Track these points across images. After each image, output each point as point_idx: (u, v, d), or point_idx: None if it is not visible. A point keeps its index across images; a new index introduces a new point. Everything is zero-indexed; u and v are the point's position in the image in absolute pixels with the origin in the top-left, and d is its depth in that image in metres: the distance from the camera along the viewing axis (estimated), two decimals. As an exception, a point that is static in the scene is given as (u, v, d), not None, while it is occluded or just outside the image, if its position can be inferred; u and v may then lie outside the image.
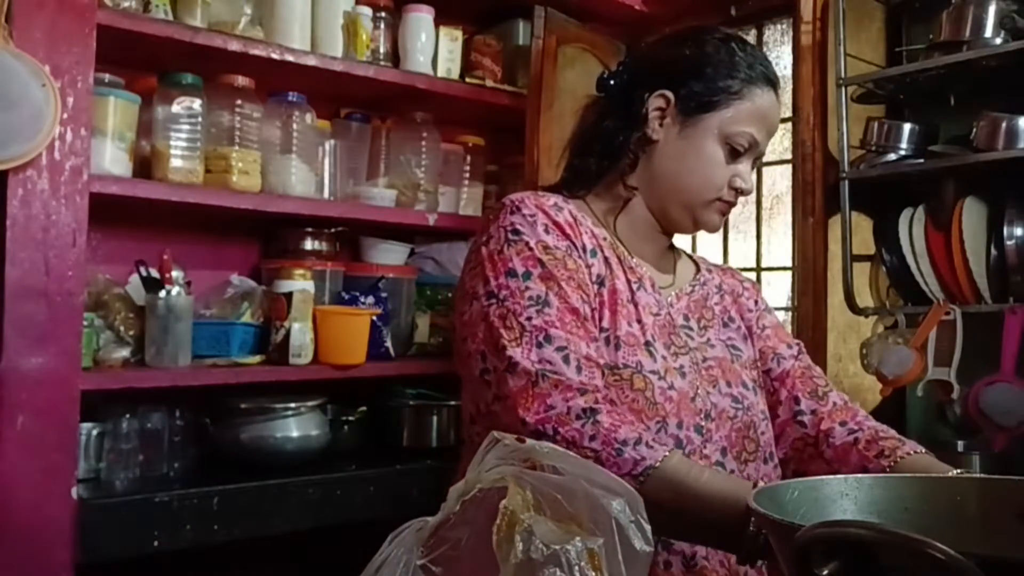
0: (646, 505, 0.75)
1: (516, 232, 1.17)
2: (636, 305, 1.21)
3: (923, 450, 1.21)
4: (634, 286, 1.23)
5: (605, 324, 1.17)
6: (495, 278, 1.14)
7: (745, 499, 0.88)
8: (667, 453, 1.02)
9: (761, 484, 0.93)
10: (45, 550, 1.76)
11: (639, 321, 1.19)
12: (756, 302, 1.42)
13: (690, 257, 1.43)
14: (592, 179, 1.32)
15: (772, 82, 1.29)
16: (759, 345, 1.36)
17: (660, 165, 1.28)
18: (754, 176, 1.31)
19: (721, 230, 2.82)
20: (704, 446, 1.15)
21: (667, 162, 1.27)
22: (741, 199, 1.31)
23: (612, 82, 1.33)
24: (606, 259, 1.23)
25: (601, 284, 1.20)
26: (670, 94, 1.26)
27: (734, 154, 1.26)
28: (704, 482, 1.01)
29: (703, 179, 1.26)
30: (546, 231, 1.18)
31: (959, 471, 1.09)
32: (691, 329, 1.27)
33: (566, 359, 1.08)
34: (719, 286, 1.38)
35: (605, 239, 1.25)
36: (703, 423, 1.17)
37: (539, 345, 1.08)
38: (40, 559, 1.76)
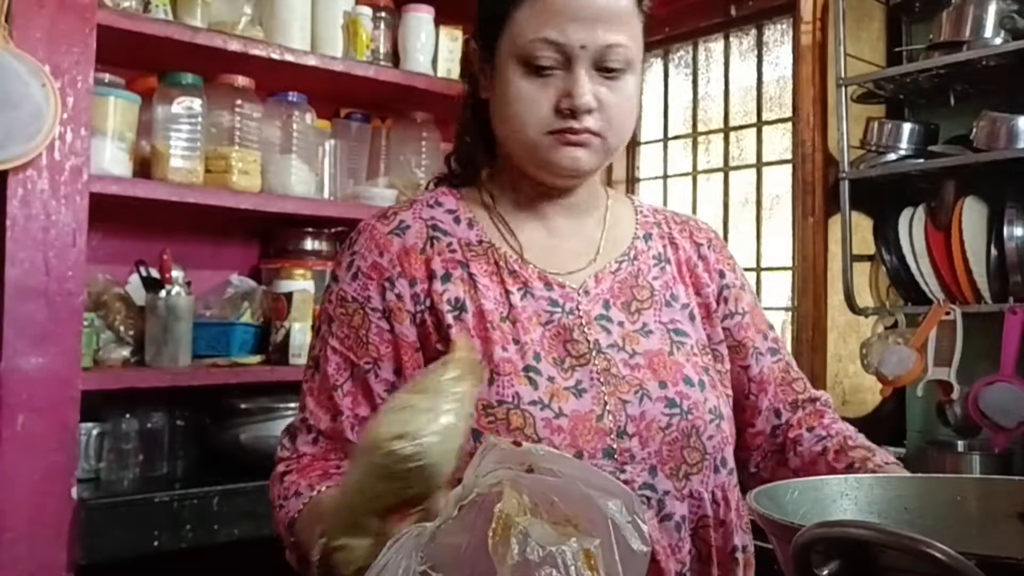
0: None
1: (334, 277, 1.10)
2: (514, 322, 1.03)
3: (894, 460, 1.09)
4: (515, 296, 1.05)
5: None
6: None
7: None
8: (306, 502, 0.96)
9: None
10: (45, 550, 1.76)
11: (516, 341, 1.02)
12: (724, 273, 1.18)
13: (637, 210, 1.20)
14: (470, 169, 1.15)
15: None
16: (739, 336, 1.16)
17: (495, 125, 1.08)
18: (621, 90, 1.02)
19: (721, 229, 2.83)
20: (621, 470, 0.98)
21: (496, 119, 1.07)
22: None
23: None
24: (471, 276, 1.05)
25: (462, 310, 1.03)
26: (474, 42, 1.09)
27: (539, 71, 1.01)
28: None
29: (517, 120, 1.03)
30: (355, 276, 1.06)
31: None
32: (610, 321, 1.07)
33: (308, 429, 1.06)
34: (661, 253, 1.16)
35: (480, 243, 1.08)
36: (615, 444, 1.00)
37: (300, 411, 1.08)
38: (40, 559, 1.76)
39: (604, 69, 1.01)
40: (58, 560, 1.77)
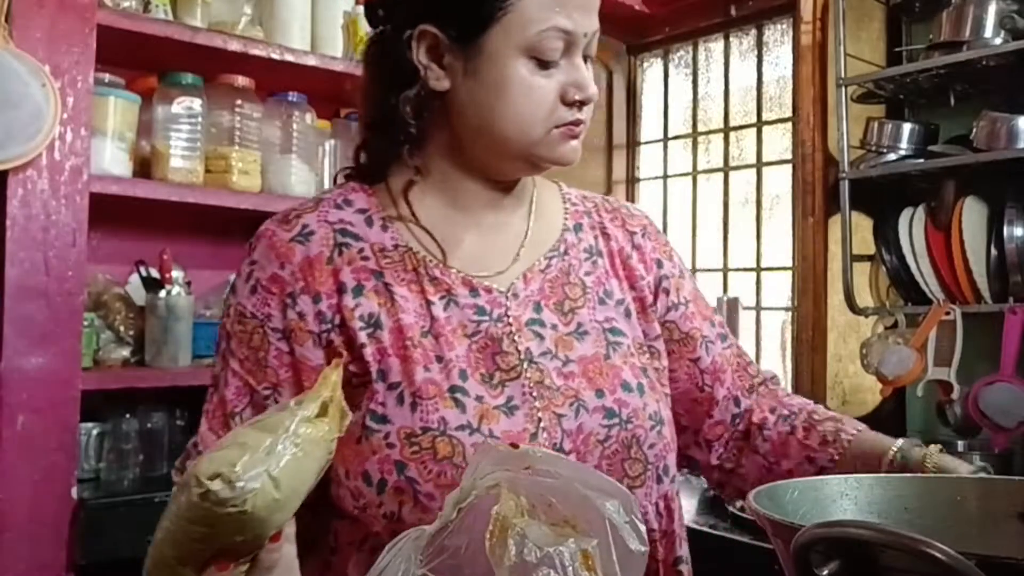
0: None
1: (232, 288, 0.99)
2: (437, 337, 0.93)
3: (863, 427, 1.04)
4: (436, 307, 0.95)
5: (394, 377, 0.91)
6: None
7: None
8: None
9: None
10: (45, 550, 1.76)
11: (440, 359, 0.92)
12: (661, 263, 1.10)
13: (565, 198, 1.11)
14: (382, 163, 1.03)
15: None
16: (685, 327, 1.09)
17: (462, 119, 0.97)
18: (593, 75, 0.97)
19: (721, 229, 2.83)
20: None
21: (468, 113, 0.96)
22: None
23: (378, 17, 1.04)
24: (386, 287, 0.95)
25: (377, 326, 0.93)
26: (433, 28, 0.95)
27: (545, 64, 0.94)
28: None
29: (520, 116, 0.94)
30: (253, 290, 0.96)
31: (935, 447, 0.99)
32: (543, 325, 0.98)
33: (199, 455, 0.88)
34: (593, 246, 1.07)
35: (396, 247, 0.98)
36: None
37: (195, 435, 0.96)
38: (40, 559, 1.76)
39: (587, 57, 0.97)
40: (58, 560, 1.77)
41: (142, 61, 2.15)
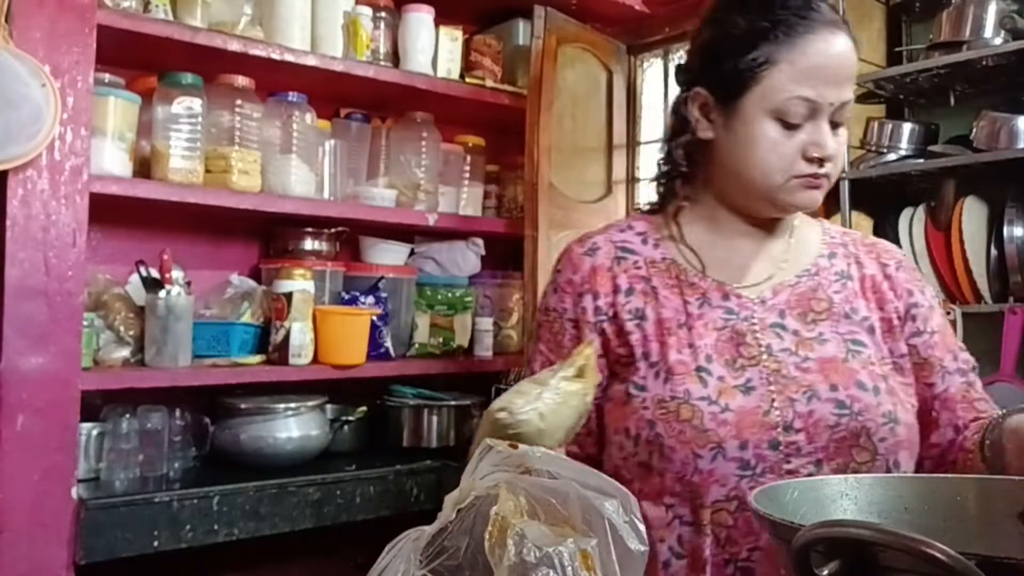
0: None
1: (545, 291, 1.29)
2: (690, 328, 1.16)
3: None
4: (692, 306, 1.18)
5: (654, 358, 1.15)
6: None
7: None
8: None
9: None
10: (45, 550, 1.76)
11: (691, 345, 1.15)
12: (912, 293, 1.24)
13: (825, 232, 1.30)
14: (664, 198, 1.28)
15: (811, 24, 1.13)
16: (926, 354, 1.21)
17: (720, 164, 1.20)
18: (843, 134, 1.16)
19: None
20: (786, 461, 1.08)
21: (725, 159, 1.19)
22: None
23: (682, 81, 1.26)
24: (653, 289, 1.20)
25: (642, 318, 1.18)
26: (703, 91, 1.19)
27: (789, 125, 1.12)
28: None
29: (763, 166, 1.14)
30: (556, 290, 1.25)
31: None
32: (784, 328, 1.17)
33: None
34: (844, 271, 1.24)
35: (663, 260, 1.23)
36: (781, 436, 1.09)
37: None
38: (40, 559, 1.76)
39: (834, 124, 1.14)
40: (58, 560, 1.77)
41: (142, 61, 2.15)
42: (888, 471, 1.10)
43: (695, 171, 1.24)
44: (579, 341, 1.19)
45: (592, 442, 1.21)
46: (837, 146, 1.15)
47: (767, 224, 1.24)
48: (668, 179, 1.26)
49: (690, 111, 1.20)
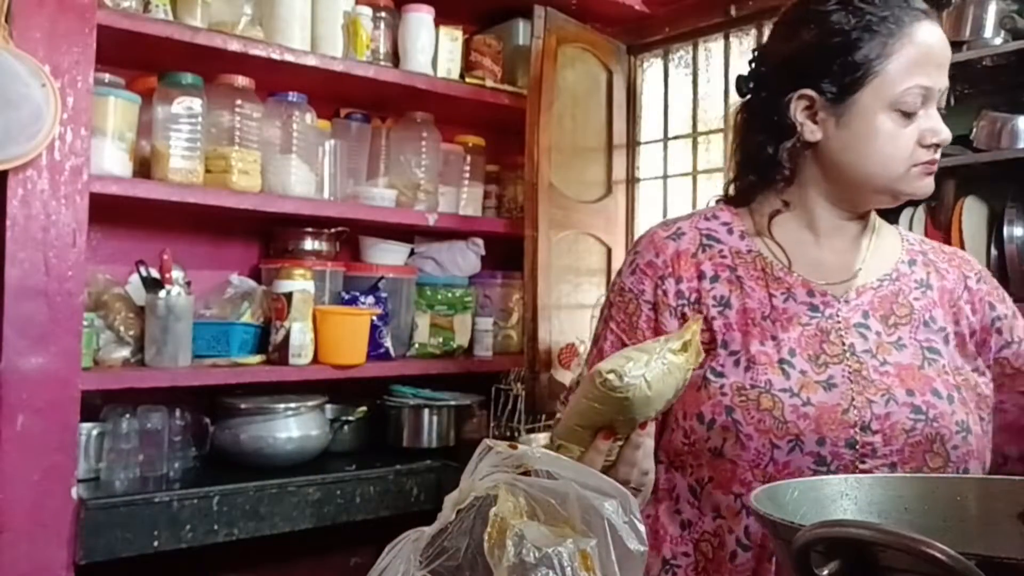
0: None
1: (619, 272, 1.26)
2: (774, 321, 1.15)
3: None
4: (777, 300, 1.17)
5: (735, 346, 1.14)
6: None
7: None
8: None
9: None
10: (45, 550, 1.76)
11: (774, 338, 1.14)
12: (994, 306, 1.24)
13: (903, 238, 1.30)
14: (751, 193, 1.25)
15: (915, 13, 1.15)
16: (1018, 363, 1.21)
17: (832, 162, 1.18)
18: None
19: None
20: (861, 461, 1.07)
21: (839, 156, 1.17)
22: None
23: (749, 88, 1.25)
24: (738, 279, 1.18)
25: (726, 306, 1.17)
26: (811, 92, 1.16)
27: (907, 115, 1.14)
28: None
29: (885, 158, 1.14)
30: (633, 272, 1.22)
31: None
32: (868, 329, 1.16)
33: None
34: (924, 279, 1.23)
35: (749, 252, 1.20)
36: (858, 436, 1.08)
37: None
38: (40, 559, 1.76)
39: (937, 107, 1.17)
40: (58, 560, 1.77)
41: (142, 61, 2.15)
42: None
43: (794, 173, 1.21)
44: (656, 324, 1.18)
45: (660, 426, 1.18)
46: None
47: (856, 225, 1.23)
48: (764, 181, 1.23)
49: (794, 114, 1.17)
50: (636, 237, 1.37)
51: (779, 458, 1.07)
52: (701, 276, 1.19)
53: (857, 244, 1.24)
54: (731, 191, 1.28)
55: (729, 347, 1.14)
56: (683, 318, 1.18)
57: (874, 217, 1.27)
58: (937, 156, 1.17)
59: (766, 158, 1.21)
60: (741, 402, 1.10)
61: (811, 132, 1.18)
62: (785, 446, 1.07)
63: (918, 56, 1.14)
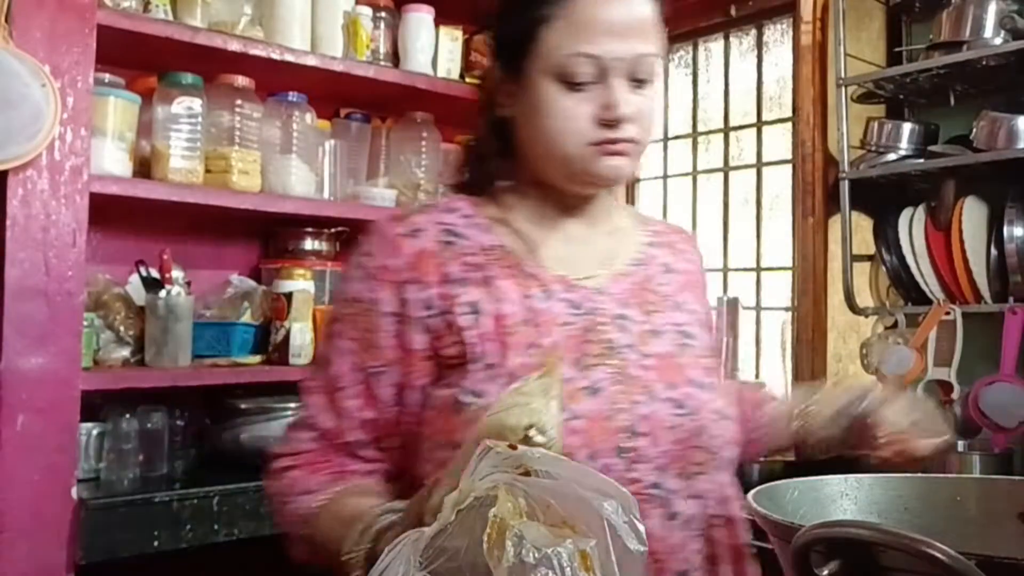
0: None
1: (344, 276, 1.11)
2: (536, 325, 1.03)
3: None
4: (535, 300, 1.05)
5: (492, 359, 1.00)
6: None
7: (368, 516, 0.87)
8: (328, 498, 1.00)
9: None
10: (45, 550, 1.76)
11: (536, 345, 1.01)
12: (704, 289, 1.25)
13: (645, 221, 1.23)
14: (484, 178, 1.16)
15: None
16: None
17: (522, 141, 1.09)
18: (637, 96, 1.03)
19: (721, 229, 2.83)
20: (631, 469, 0.98)
21: (522, 133, 1.08)
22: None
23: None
24: (489, 279, 1.05)
25: (478, 313, 1.02)
26: (497, 63, 1.10)
27: (575, 86, 1.02)
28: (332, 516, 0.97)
29: (556, 135, 1.03)
30: (365, 278, 1.06)
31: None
32: (626, 319, 1.08)
33: (308, 428, 1.07)
34: (669, 262, 1.18)
35: (495, 247, 1.08)
36: (627, 443, 0.99)
37: (301, 411, 1.09)
38: (40, 559, 1.76)
39: (635, 80, 1.03)
40: (58, 560, 1.77)
41: (142, 61, 2.15)
42: (721, 469, 1.05)
43: (508, 151, 1.12)
44: (402, 341, 1.03)
45: (406, 455, 1.05)
46: (639, 106, 1.03)
47: (590, 208, 1.13)
48: (479, 159, 1.15)
49: (490, 87, 1.11)
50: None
51: None
52: (447, 279, 1.04)
53: (596, 232, 1.14)
54: (465, 177, 1.18)
55: (485, 360, 1.00)
56: (428, 331, 1.03)
57: (609, 199, 1.18)
58: (623, 135, 1.02)
59: (482, 137, 1.15)
60: None
61: (501, 106, 1.09)
62: None
63: (580, 22, 1.01)
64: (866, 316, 2.32)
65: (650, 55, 1.03)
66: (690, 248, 1.24)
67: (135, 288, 2.15)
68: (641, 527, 0.72)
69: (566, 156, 1.04)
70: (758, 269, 2.77)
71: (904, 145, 2.23)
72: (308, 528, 1.01)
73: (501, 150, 1.12)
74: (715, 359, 1.16)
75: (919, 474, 1.01)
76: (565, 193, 1.10)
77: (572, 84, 1.02)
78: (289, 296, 2.17)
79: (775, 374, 2.64)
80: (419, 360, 1.03)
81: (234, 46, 2.10)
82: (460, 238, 1.07)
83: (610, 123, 1.02)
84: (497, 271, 1.06)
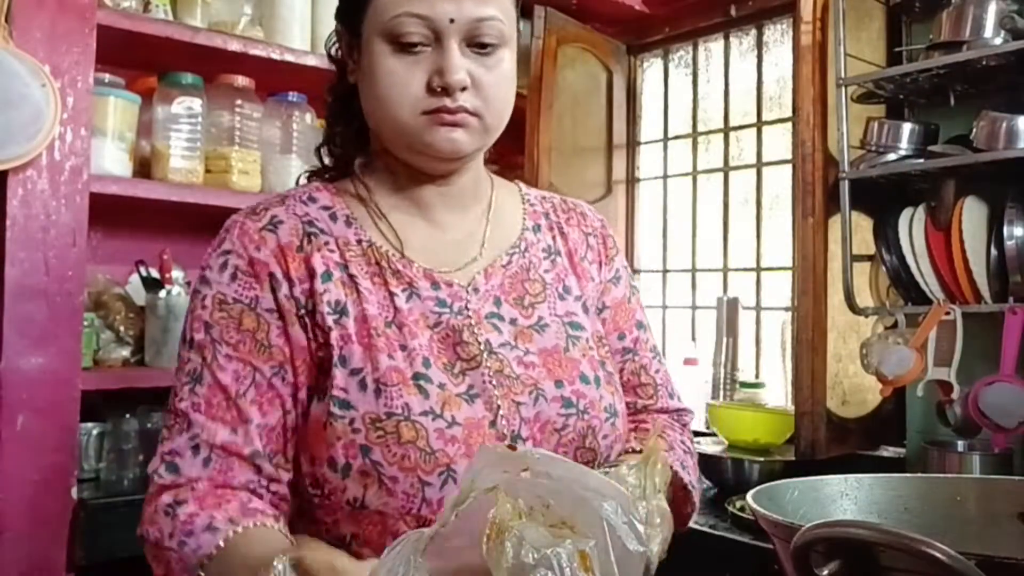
0: None
1: (203, 280, 1.00)
2: (400, 327, 0.96)
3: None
4: (400, 299, 0.98)
5: (357, 364, 0.94)
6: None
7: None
8: (227, 539, 0.86)
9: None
10: (45, 550, 1.76)
11: (404, 348, 0.95)
12: (601, 265, 1.13)
13: (524, 199, 1.14)
14: (343, 161, 1.09)
15: None
16: (602, 330, 1.10)
17: (365, 110, 1.02)
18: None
19: (721, 229, 2.83)
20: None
21: (364, 102, 1.02)
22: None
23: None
24: (351, 277, 0.98)
25: (342, 314, 0.96)
26: (341, 26, 1.05)
27: (408, 47, 0.95)
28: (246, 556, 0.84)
29: (388, 102, 0.97)
30: (233, 276, 0.97)
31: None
32: (502, 319, 1.01)
33: (195, 449, 0.93)
34: (551, 246, 1.10)
35: (359, 243, 1.01)
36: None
37: (180, 433, 0.95)
38: (40, 559, 1.76)
39: (477, 45, 0.97)
40: (58, 560, 1.77)
41: (142, 61, 2.15)
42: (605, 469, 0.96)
43: (363, 126, 1.06)
44: (288, 339, 0.96)
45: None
46: (479, 75, 0.97)
47: (457, 186, 1.06)
48: (339, 138, 1.08)
49: (338, 54, 1.06)
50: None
51: (432, 496, 0.90)
52: (312, 275, 0.97)
53: (466, 217, 1.07)
54: (326, 160, 1.10)
55: (349, 364, 0.94)
56: (305, 328, 0.96)
57: (485, 179, 1.11)
58: (458, 103, 0.96)
59: (334, 110, 1.07)
60: (379, 438, 0.90)
61: (351, 72, 1.04)
62: (436, 481, 0.90)
63: None
64: (866, 316, 2.31)
65: (492, 19, 0.96)
66: (582, 218, 1.15)
67: (135, 288, 2.15)
68: (641, 527, 0.72)
69: (400, 125, 0.97)
70: (758, 269, 2.77)
71: (904, 145, 2.23)
72: (205, 571, 0.87)
73: (354, 123, 1.06)
74: (604, 346, 1.07)
75: (919, 474, 1.01)
76: (414, 167, 1.03)
77: (403, 46, 0.95)
78: (289, 296, 2.17)
79: (775, 374, 2.65)
80: (302, 361, 0.96)
81: (234, 46, 2.10)
82: (321, 233, 1.01)
83: (442, 90, 0.95)
84: (359, 269, 0.99)
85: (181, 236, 2.30)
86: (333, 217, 1.03)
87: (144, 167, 2.08)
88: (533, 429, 0.96)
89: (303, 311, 0.97)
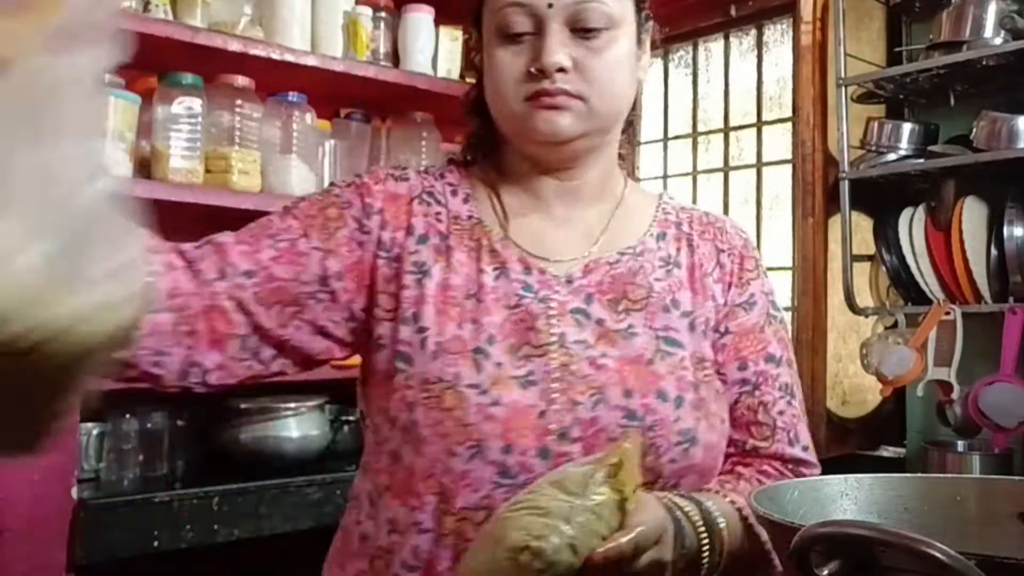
0: None
1: (332, 183, 1.10)
2: (480, 301, 0.98)
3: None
4: (487, 276, 0.99)
5: (425, 323, 0.96)
6: None
7: None
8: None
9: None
10: (45, 550, 1.76)
11: (474, 322, 0.96)
12: (731, 287, 1.07)
13: (660, 207, 1.11)
14: (476, 150, 1.14)
15: None
16: (719, 358, 1.05)
17: (487, 103, 1.06)
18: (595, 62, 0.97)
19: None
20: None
21: (486, 96, 1.06)
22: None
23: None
24: (448, 248, 1.01)
25: (425, 275, 0.99)
26: (471, 28, 1.10)
27: (513, 38, 0.98)
28: None
29: (500, 93, 1.00)
30: (349, 185, 1.05)
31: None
32: (587, 316, 0.99)
33: (208, 240, 1.10)
34: (672, 256, 1.06)
35: (469, 218, 1.04)
36: (554, 445, 0.91)
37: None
38: (40, 559, 1.76)
39: (581, 29, 0.97)
40: (58, 560, 1.77)
41: (142, 61, 2.15)
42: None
43: (490, 125, 1.10)
44: (351, 248, 1.00)
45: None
46: (582, 57, 0.97)
47: (578, 179, 1.06)
48: (475, 132, 1.13)
49: (473, 56, 1.10)
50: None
51: (456, 467, 0.91)
52: (410, 231, 1.02)
53: (585, 214, 1.07)
54: (467, 154, 1.15)
55: (418, 321, 0.96)
56: (374, 271, 1.00)
57: (617, 180, 1.10)
58: (555, 85, 0.97)
59: (471, 101, 1.11)
60: (424, 399, 0.93)
61: (480, 69, 1.08)
62: (465, 453, 0.91)
63: None
64: (866, 316, 2.32)
65: (596, 1, 0.97)
66: (719, 233, 1.09)
67: (135, 288, 2.15)
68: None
69: (508, 113, 1.01)
70: (758, 269, 2.77)
71: (904, 145, 2.23)
72: None
73: (485, 119, 1.09)
74: (705, 370, 1.01)
75: (919, 474, 1.01)
76: (529, 156, 1.05)
77: (509, 36, 0.99)
78: (289, 296, 2.17)
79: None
80: (354, 277, 0.99)
81: (234, 46, 2.10)
82: (437, 203, 1.05)
83: (539, 73, 0.97)
84: (458, 242, 1.02)
85: (181, 236, 2.29)
86: (454, 192, 1.07)
87: (144, 167, 2.08)
88: (587, 432, 0.93)
89: (385, 254, 1.01)
